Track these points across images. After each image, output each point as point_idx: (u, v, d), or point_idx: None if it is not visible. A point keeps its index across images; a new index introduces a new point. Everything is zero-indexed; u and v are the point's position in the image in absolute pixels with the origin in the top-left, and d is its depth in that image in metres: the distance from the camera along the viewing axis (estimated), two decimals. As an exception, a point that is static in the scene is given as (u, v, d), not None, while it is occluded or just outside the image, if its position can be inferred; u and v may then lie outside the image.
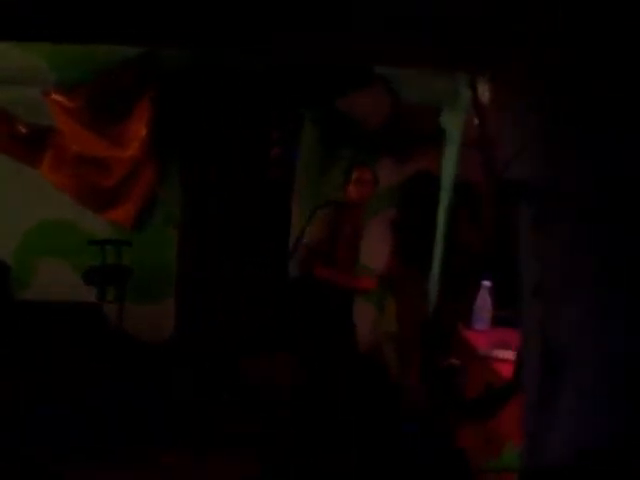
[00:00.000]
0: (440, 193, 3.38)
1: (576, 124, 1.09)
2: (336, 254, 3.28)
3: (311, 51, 3.02)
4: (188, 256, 5.00)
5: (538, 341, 1.19)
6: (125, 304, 4.51)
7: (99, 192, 4.57)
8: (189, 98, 4.65)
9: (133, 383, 3.94)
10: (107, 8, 1.61)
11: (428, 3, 1.57)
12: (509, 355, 2.69)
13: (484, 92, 2.37)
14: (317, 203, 5.00)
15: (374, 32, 1.85)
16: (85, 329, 4.33)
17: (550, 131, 1.19)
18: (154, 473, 3.06)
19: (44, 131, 4.39)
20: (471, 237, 4.35)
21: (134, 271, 4.57)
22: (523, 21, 1.31)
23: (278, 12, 1.65)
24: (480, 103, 2.41)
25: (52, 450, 3.11)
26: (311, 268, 3.22)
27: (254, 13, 1.66)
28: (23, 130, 4.40)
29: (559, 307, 1.12)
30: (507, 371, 2.57)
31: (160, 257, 4.81)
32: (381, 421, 3.50)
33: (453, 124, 2.97)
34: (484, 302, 3.01)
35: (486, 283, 3.02)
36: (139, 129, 4.18)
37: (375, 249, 4.54)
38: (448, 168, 3.14)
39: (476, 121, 2.60)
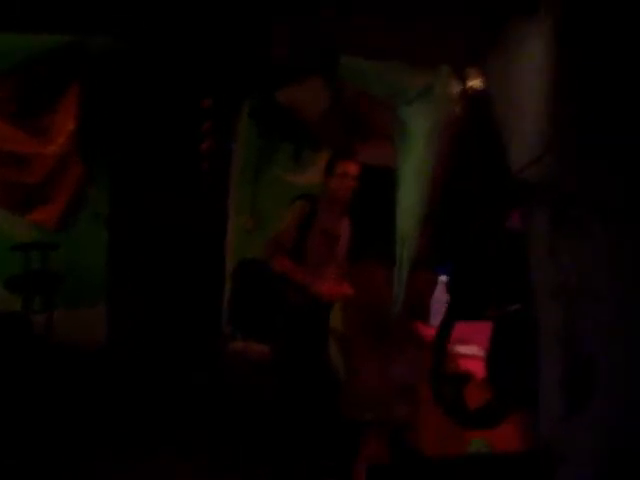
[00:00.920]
0: (398, 187, 3.30)
1: (598, 127, 1.06)
2: (305, 252, 3.13)
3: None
4: (120, 258, 4.74)
5: (559, 344, 1.14)
6: (56, 311, 4.20)
7: (20, 191, 4.22)
8: (117, 89, 4.39)
9: (56, 392, 3.74)
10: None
11: None
12: (472, 350, 2.68)
13: (476, 84, 2.30)
14: (254, 197, 4.94)
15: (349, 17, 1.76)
16: (9, 340, 4.02)
17: (571, 134, 1.15)
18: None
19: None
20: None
21: (63, 277, 4.27)
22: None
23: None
24: (474, 95, 2.35)
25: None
26: (271, 260, 3.07)
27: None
28: None
29: (586, 309, 1.07)
30: (474, 367, 2.55)
31: (90, 260, 4.52)
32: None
33: (419, 118, 2.90)
34: (441, 296, 2.98)
35: (442, 277, 2.99)
36: (66, 123, 3.90)
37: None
38: (412, 162, 3.06)
39: (457, 112, 2.53)
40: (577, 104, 1.13)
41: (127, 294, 4.75)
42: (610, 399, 1.03)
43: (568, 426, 1.11)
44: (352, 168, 3.13)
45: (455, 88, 2.47)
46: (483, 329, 2.93)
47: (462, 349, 2.70)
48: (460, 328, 2.92)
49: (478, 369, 2.53)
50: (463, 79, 2.36)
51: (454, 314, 1.90)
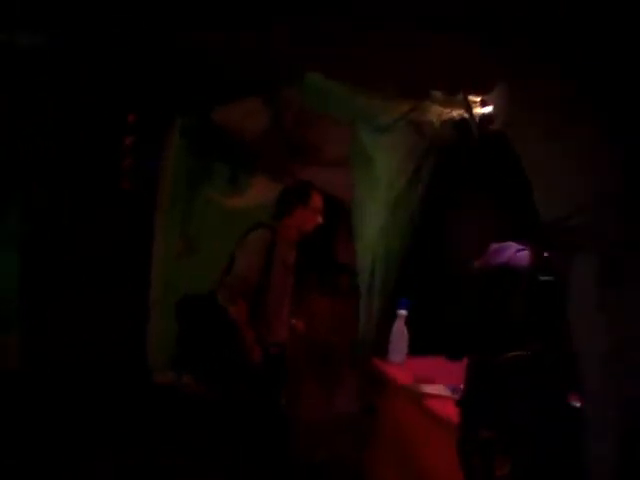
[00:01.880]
0: (357, 216, 3.17)
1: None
2: (268, 286, 2.95)
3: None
4: (33, 283, 4.32)
5: (613, 425, 1.04)
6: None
7: None
8: (31, 97, 4.02)
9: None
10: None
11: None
12: (438, 390, 2.59)
13: (488, 111, 2.21)
14: (185, 220, 4.67)
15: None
16: None
17: (619, 179, 1.07)
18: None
19: None
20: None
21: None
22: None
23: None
24: (484, 124, 2.26)
25: None
26: (233, 302, 2.86)
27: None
28: None
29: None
30: (441, 408, 2.46)
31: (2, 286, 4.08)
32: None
33: (389, 147, 2.79)
34: (401, 332, 2.89)
35: (402, 312, 2.90)
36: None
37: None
38: (377, 191, 2.94)
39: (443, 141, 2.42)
40: (624, 148, 1.05)
41: (41, 322, 4.34)
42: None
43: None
44: (321, 202, 3.07)
45: (445, 116, 2.40)
46: (446, 368, 2.87)
47: (428, 388, 2.61)
48: (422, 366, 2.85)
49: (445, 410, 2.45)
50: (466, 106, 2.28)
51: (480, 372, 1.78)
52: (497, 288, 2.20)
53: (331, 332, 3.84)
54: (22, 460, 3.09)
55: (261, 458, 3.02)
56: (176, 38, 2.95)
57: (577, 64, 1.10)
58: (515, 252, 2.30)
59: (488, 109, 2.21)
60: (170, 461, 3.14)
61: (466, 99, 2.22)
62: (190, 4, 2.30)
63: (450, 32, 1.54)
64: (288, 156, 4.37)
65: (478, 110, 2.27)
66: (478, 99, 2.22)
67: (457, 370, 2.75)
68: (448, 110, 2.45)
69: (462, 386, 2.36)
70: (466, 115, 2.29)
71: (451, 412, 2.41)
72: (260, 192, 4.39)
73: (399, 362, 2.90)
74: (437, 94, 2.26)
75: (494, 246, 2.35)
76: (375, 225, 2.98)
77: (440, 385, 2.62)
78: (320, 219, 3.08)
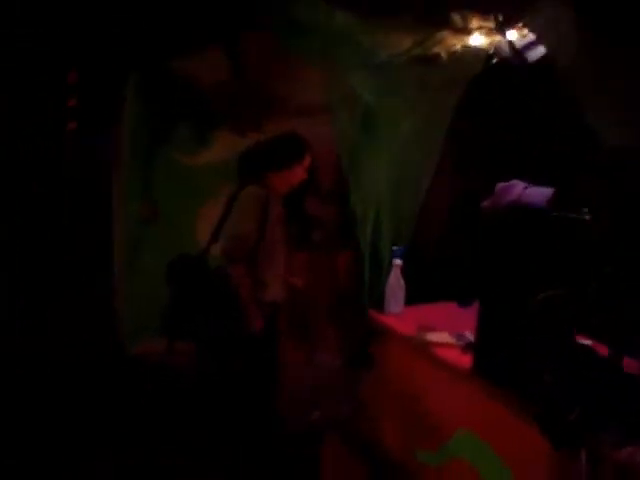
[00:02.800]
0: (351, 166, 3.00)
1: None
2: (264, 247, 2.80)
3: None
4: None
5: None
6: None
7: None
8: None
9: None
10: None
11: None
12: (443, 338, 2.52)
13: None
14: (148, 183, 4.40)
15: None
16: None
17: None
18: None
19: None
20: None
21: None
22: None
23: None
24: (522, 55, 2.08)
25: None
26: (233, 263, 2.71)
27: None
28: None
29: None
30: (449, 356, 2.40)
31: None
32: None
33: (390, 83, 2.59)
34: (397, 282, 2.79)
35: (397, 261, 2.80)
36: None
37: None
38: (373, 134, 2.76)
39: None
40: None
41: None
42: None
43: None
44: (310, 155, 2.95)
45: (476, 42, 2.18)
46: (445, 315, 2.81)
47: (433, 337, 2.54)
48: (421, 316, 2.77)
49: (454, 358, 2.39)
50: (500, 30, 2.09)
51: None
52: (510, 227, 2.12)
53: (309, 287, 3.75)
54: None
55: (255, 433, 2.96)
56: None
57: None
58: (523, 189, 2.21)
59: (528, 38, 2.05)
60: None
61: (501, 23, 2.05)
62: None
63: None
64: (252, 108, 4.16)
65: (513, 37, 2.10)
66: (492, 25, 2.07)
67: (459, 317, 2.70)
68: (465, 39, 2.26)
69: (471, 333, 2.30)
70: (498, 40, 2.10)
71: (457, 359, 2.36)
72: (224, 147, 4.18)
73: (397, 313, 2.81)
74: (457, 19, 2.09)
75: (501, 185, 2.26)
76: (377, 175, 2.81)
77: (444, 333, 2.55)
78: (305, 174, 2.98)
